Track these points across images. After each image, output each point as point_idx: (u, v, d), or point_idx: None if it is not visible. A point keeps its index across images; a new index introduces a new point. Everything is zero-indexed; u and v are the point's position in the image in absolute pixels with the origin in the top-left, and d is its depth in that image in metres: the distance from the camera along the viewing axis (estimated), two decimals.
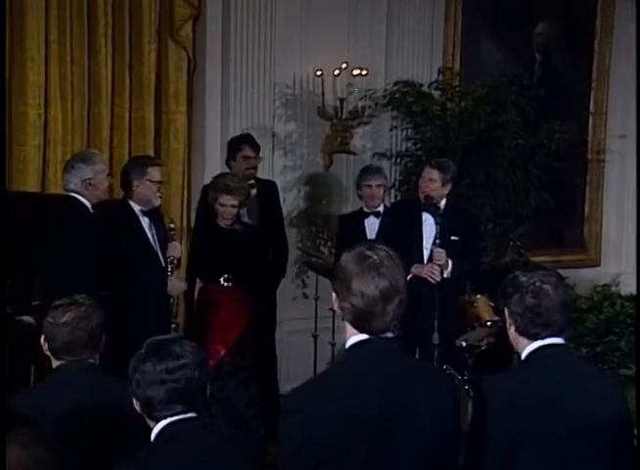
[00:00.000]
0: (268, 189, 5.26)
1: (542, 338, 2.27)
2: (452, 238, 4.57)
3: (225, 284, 4.52)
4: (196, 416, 2.20)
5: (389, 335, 2.07)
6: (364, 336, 2.04)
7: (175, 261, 4.29)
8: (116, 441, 2.48)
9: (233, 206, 4.52)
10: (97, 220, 4.07)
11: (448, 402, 2.08)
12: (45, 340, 2.66)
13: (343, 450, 1.95)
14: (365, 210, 5.22)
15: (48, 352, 2.68)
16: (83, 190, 4.04)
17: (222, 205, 4.51)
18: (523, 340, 2.29)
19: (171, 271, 4.26)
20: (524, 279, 2.33)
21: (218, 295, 4.53)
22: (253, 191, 5.09)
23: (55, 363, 2.68)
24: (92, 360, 2.68)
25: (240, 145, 5.09)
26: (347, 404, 1.96)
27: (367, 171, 5.24)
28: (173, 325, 4.33)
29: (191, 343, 2.29)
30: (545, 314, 2.27)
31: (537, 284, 2.30)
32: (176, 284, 4.27)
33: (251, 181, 5.06)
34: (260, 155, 5.21)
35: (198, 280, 4.70)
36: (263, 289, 4.82)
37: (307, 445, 1.94)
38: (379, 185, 5.13)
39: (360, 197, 5.23)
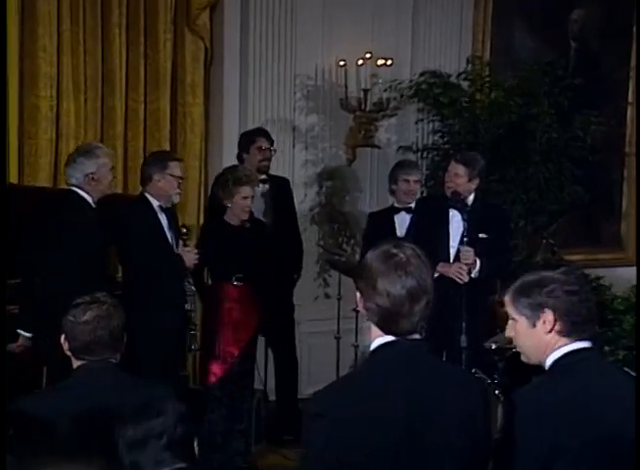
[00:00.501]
0: (281, 186, 5.25)
1: (571, 342, 2.20)
2: (480, 236, 4.49)
3: (237, 283, 4.46)
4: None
5: (416, 337, 2.03)
6: (390, 338, 2.03)
7: (186, 237, 4.31)
8: (139, 441, 2.46)
9: (253, 197, 4.51)
10: (101, 216, 4.04)
11: (478, 405, 2.07)
12: (65, 339, 2.66)
13: (368, 454, 1.95)
14: (396, 205, 5.14)
15: (69, 352, 2.67)
16: (86, 185, 4.00)
17: (245, 197, 4.45)
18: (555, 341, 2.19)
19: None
20: (559, 277, 2.23)
21: (230, 294, 4.48)
22: (266, 187, 5.04)
23: (75, 363, 2.68)
24: (113, 360, 2.68)
25: (254, 136, 5.09)
26: (372, 408, 1.96)
27: (405, 166, 5.19)
28: (192, 331, 4.31)
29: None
30: (587, 315, 2.18)
31: (573, 284, 2.20)
32: (190, 255, 4.25)
33: (264, 176, 5.05)
34: (275, 147, 5.19)
35: (208, 280, 4.65)
36: (273, 287, 4.80)
37: (331, 448, 1.94)
38: (416, 180, 5.10)
39: (392, 192, 5.16)
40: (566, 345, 2.21)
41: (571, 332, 2.21)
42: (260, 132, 5.15)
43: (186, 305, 4.29)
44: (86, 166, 3.99)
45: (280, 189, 5.21)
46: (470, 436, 2.02)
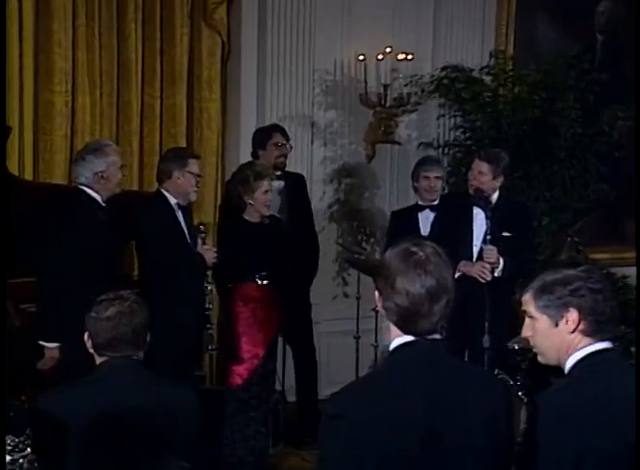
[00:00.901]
0: (296, 182, 5.25)
1: (594, 342, 2.18)
2: (504, 234, 4.46)
3: (260, 282, 4.46)
4: None
5: (436, 336, 2.02)
6: (409, 337, 2.03)
7: (204, 234, 4.31)
8: (158, 439, 2.51)
9: (271, 191, 4.50)
10: (117, 214, 4.03)
11: (500, 406, 2.06)
12: (89, 337, 2.68)
13: (387, 455, 1.94)
14: (420, 203, 5.13)
15: (92, 350, 2.69)
16: (95, 184, 3.98)
17: (266, 191, 4.46)
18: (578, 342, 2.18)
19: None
20: (583, 275, 2.21)
21: (254, 294, 4.49)
22: (282, 183, 5.05)
23: (98, 360, 2.71)
24: (135, 357, 2.70)
25: (270, 132, 5.10)
26: (391, 409, 1.95)
27: (425, 162, 5.17)
28: (210, 331, 4.31)
29: None
30: (610, 315, 2.16)
31: (597, 282, 2.19)
32: (210, 253, 4.26)
33: (279, 173, 5.06)
34: (292, 143, 5.20)
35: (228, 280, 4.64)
36: (292, 285, 4.80)
37: (349, 450, 1.94)
38: (437, 177, 5.07)
39: (416, 189, 5.14)
40: (589, 344, 2.19)
41: (594, 332, 2.19)
42: (276, 128, 5.15)
43: (205, 305, 4.29)
44: (96, 165, 3.96)
45: (296, 186, 5.21)
46: (492, 438, 2.01)
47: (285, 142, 5.09)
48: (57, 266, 3.89)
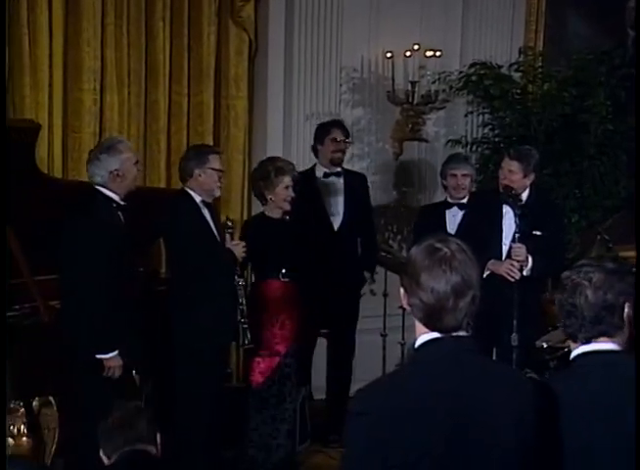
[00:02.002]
0: (356, 181, 5.25)
1: (586, 342, 2.14)
2: (534, 232, 4.40)
3: (283, 279, 4.45)
4: None
5: (462, 333, 1.99)
6: (435, 335, 2.00)
7: (231, 230, 4.30)
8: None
9: (292, 187, 4.46)
10: (133, 213, 3.99)
11: (528, 405, 2.01)
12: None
13: (411, 455, 1.92)
14: (449, 200, 5.09)
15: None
16: (111, 182, 3.92)
17: (287, 187, 4.44)
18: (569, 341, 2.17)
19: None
20: (566, 274, 2.23)
21: (275, 290, 4.47)
22: (340, 180, 5.03)
23: None
24: None
25: (329, 128, 5.14)
26: (416, 408, 1.93)
27: (453, 160, 5.13)
28: (245, 326, 4.29)
29: None
30: (579, 315, 2.11)
31: (575, 280, 2.17)
32: (239, 249, 4.24)
33: (338, 170, 5.09)
34: (350, 140, 5.22)
35: (251, 276, 4.65)
36: (343, 284, 4.82)
37: (373, 449, 1.91)
38: (464, 175, 5.01)
39: (445, 187, 5.11)
40: (583, 344, 2.19)
41: (567, 332, 2.21)
42: (336, 124, 5.19)
43: (238, 299, 4.26)
44: (110, 163, 3.90)
45: (355, 185, 5.21)
46: (520, 438, 1.97)
47: (343, 138, 5.12)
48: (76, 272, 3.84)
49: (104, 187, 3.94)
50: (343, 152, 5.15)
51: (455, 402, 1.93)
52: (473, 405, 1.95)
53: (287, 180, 4.44)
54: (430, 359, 1.99)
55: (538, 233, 4.44)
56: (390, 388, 2.00)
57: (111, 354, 3.88)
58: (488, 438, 1.95)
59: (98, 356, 3.86)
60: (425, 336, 2.01)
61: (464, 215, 4.99)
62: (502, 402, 1.98)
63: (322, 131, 5.14)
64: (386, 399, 1.96)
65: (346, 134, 5.17)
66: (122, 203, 3.97)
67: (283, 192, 4.44)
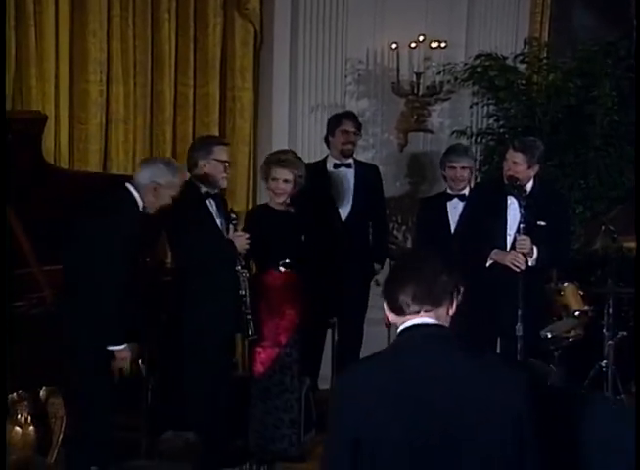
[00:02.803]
0: (368, 173, 5.25)
1: (403, 315, 2.09)
2: (539, 223, 4.39)
3: (283, 270, 4.44)
4: None
5: (431, 321, 2.02)
6: (416, 321, 2.05)
7: (235, 221, 4.27)
8: None
9: (285, 181, 4.40)
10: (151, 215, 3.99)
11: (509, 395, 1.98)
12: None
13: (385, 440, 1.95)
14: (449, 191, 5.07)
15: None
16: (145, 191, 3.89)
17: (274, 178, 4.41)
18: (390, 315, 2.12)
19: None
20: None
21: (276, 281, 4.45)
22: (351, 171, 5.00)
23: None
24: None
25: (340, 119, 5.15)
26: (394, 393, 1.98)
27: (452, 152, 5.09)
28: (248, 316, 4.28)
29: None
30: (398, 288, 2.07)
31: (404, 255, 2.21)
32: (241, 240, 4.22)
33: (349, 161, 5.10)
34: (361, 133, 5.22)
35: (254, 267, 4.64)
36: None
37: (348, 425, 1.97)
38: (464, 167, 4.98)
39: (445, 178, 5.09)
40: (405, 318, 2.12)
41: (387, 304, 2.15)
42: (347, 115, 5.20)
43: (240, 291, 4.25)
44: (162, 177, 3.88)
45: (366, 176, 5.21)
46: (498, 429, 1.96)
47: (353, 130, 5.13)
48: (93, 266, 3.83)
49: (136, 190, 3.91)
50: (354, 144, 5.16)
51: (427, 381, 1.97)
52: (450, 388, 1.97)
53: (276, 173, 4.39)
54: (409, 345, 2.06)
55: (543, 224, 4.42)
56: (370, 369, 2.06)
57: (121, 346, 3.90)
58: (467, 425, 1.96)
59: (110, 348, 3.88)
60: (408, 323, 2.06)
61: (464, 207, 4.96)
62: (479, 388, 1.98)
63: (333, 123, 5.15)
64: (365, 379, 2.02)
65: (358, 126, 5.17)
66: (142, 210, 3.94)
67: (271, 184, 4.43)
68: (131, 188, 3.92)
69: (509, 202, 4.51)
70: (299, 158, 4.64)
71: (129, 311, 3.88)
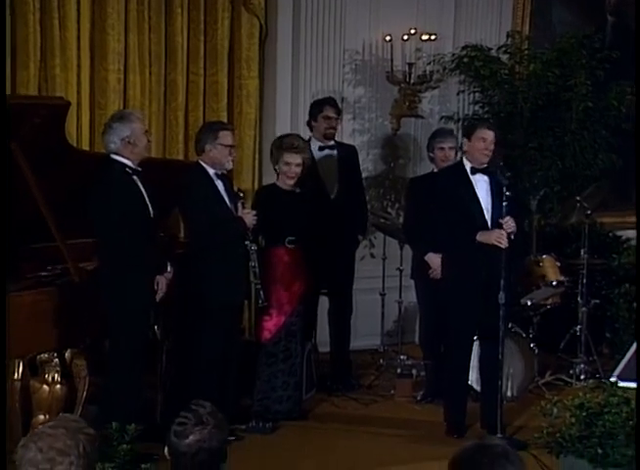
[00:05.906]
0: (348, 153, 5.20)
1: None
2: (507, 193, 4.20)
3: (289, 246, 4.40)
4: None
5: None
6: None
7: (243, 199, 4.24)
8: None
9: (297, 165, 4.40)
10: (152, 181, 3.94)
11: None
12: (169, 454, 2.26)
13: None
14: (435, 171, 5.00)
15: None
16: (123, 149, 3.88)
17: (287, 163, 4.38)
18: None
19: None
20: None
21: (282, 256, 4.42)
22: (334, 152, 4.97)
23: None
24: None
25: (322, 106, 5.08)
26: None
27: (440, 134, 5.03)
28: (258, 286, 4.25)
29: None
30: None
31: None
32: (249, 217, 4.19)
33: (332, 143, 5.06)
34: (341, 116, 5.19)
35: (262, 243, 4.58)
36: (332, 248, 4.77)
37: None
38: (451, 147, 4.93)
39: (432, 159, 5.02)
40: None
41: None
42: (328, 101, 5.12)
43: (250, 263, 4.21)
44: (122, 131, 3.86)
45: (347, 156, 5.16)
46: None
47: (334, 115, 5.06)
48: (103, 235, 3.84)
49: (118, 154, 3.90)
50: (334, 128, 5.08)
51: None
52: None
53: (287, 157, 4.37)
54: None
55: (508, 193, 4.25)
56: None
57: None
58: None
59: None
60: None
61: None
62: None
63: (315, 109, 5.07)
64: None
65: (338, 111, 5.10)
66: (137, 168, 3.92)
67: (283, 168, 4.39)
68: (115, 157, 3.90)
69: (474, 182, 4.37)
70: (306, 141, 4.62)
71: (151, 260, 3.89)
